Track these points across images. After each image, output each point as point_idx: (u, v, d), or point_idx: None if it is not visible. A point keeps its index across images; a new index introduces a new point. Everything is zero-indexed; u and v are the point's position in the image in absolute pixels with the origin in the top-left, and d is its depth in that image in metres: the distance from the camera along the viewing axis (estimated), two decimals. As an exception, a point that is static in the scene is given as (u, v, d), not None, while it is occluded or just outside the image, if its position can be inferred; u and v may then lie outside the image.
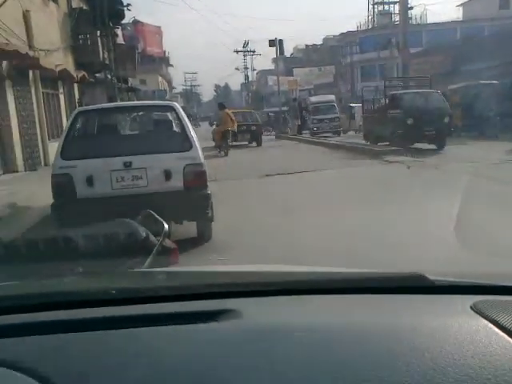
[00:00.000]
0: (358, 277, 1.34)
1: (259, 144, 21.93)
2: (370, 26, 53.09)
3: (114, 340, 1.01)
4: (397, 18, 32.38)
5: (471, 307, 1.05)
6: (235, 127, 18.90)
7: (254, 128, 22.08)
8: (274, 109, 44.73)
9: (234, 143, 20.24)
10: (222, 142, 18.16)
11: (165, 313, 1.10)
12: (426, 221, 5.67)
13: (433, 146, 15.22)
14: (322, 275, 1.38)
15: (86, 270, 2.31)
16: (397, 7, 39.22)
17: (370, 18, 55.79)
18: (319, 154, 16.56)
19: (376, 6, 56.08)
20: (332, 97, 33.07)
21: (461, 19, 45.41)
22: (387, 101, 16.59)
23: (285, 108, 38.83)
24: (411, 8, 28.30)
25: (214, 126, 21.98)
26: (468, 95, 20.84)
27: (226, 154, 17.66)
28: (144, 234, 2.72)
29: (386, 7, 55.12)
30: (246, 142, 22.02)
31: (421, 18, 47.67)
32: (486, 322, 0.98)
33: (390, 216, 6.02)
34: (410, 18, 31.97)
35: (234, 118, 19.02)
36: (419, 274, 1.19)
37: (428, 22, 47.64)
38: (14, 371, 0.88)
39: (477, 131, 19.08)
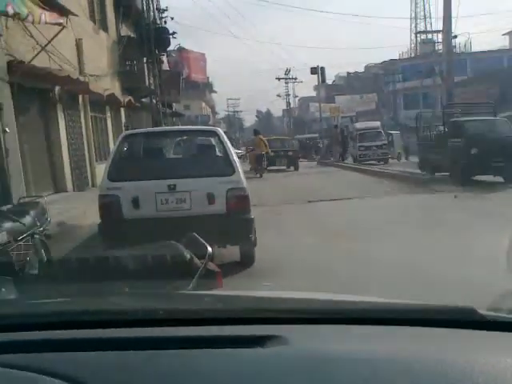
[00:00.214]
0: (405, 308, 1.31)
1: (296, 168, 23.24)
2: (413, 55, 52.86)
3: (161, 360, 1.02)
4: (440, 46, 32.06)
5: None
6: (269, 151, 20.78)
7: (290, 153, 23.64)
8: (310, 135, 44.87)
9: (273, 167, 22.22)
10: (257, 164, 20.09)
11: (211, 335, 1.11)
12: (472, 252, 5.51)
13: (499, 179, 13.39)
14: (369, 305, 1.36)
15: (132, 291, 2.36)
16: (440, 36, 38.90)
17: (412, 46, 55.68)
18: (362, 180, 16.42)
19: (419, 35, 55.96)
20: (378, 123, 31.57)
21: (507, 48, 44.66)
22: (447, 128, 14.99)
23: (315, 135, 39.18)
24: (455, 37, 27.85)
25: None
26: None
27: (261, 176, 19.04)
28: (188, 257, 2.74)
29: (429, 36, 54.92)
30: (284, 167, 23.31)
31: (465, 46, 47.15)
32: None
33: (432, 245, 5.91)
34: (454, 47, 31.64)
35: (267, 143, 20.90)
36: (470, 307, 1.16)
37: (472, 50, 47.06)
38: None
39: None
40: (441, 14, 20.10)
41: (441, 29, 25.70)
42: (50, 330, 1.16)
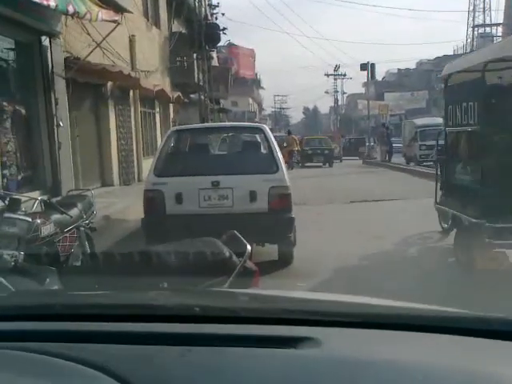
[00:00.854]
0: (436, 315, 1.28)
1: (330, 165, 26.70)
2: (469, 50, 51.16)
3: (193, 357, 1.03)
4: (499, 40, 30.78)
5: None
6: (299, 149, 25.99)
7: (326, 152, 27.36)
8: (356, 136, 44.23)
9: (309, 164, 26.30)
10: (289, 159, 23.01)
11: (244, 334, 1.12)
12: None
13: None
14: (405, 310, 1.33)
15: (171, 286, 2.40)
16: (500, 29, 37.13)
17: (469, 41, 53.82)
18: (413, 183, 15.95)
19: (476, 29, 53.96)
20: (440, 120, 26.79)
21: None
22: None
23: (361, 136, 38.72)
24: (516, 30, 26.54)
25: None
26: None
27: (292, 169, 21.66)
28: (227, 254, 2.76)
29: (488, 29, 52.88)
30: (321, 164, 26.83)
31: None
32: None
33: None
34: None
35: (297, 142, 26.07)
36: (483, 316, 1.16)
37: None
38: (103, 374, 0.94)
39: None
40: (501, 5, 19.26)
41: (501, 22, 24.55)
42: (87, 321, 1.20)
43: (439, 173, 6.45)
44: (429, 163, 22.37)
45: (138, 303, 1.37)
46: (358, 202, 10.82)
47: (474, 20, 56.39)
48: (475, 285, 4.67)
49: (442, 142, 6.69)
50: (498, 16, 48.08)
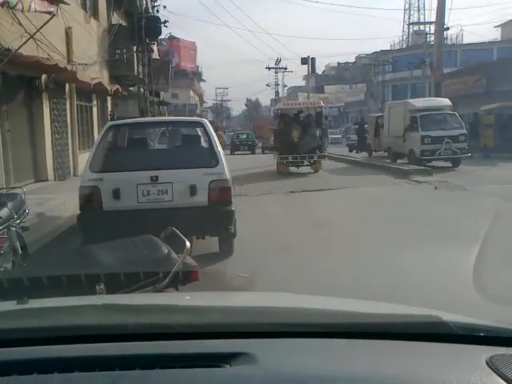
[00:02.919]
0: (372, 320, 1.28)
1: (253, 152, 33.19)
2: (404, 46, 52.86)
3: (125, 383, 1.00)
4: (432, 37, 31.89)
5: (487, 362, 1.01)
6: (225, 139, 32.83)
7: (250, 143, 34.85)
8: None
9: (238, 152, 32.43)
10: None
11: (178, 353, 1.09)
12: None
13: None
14: (336, 317, 1.32)
15: (107, 287, 2.33)
16: (433, 27, 38.87)
17: (404, 37, 55.65)
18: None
19: (411, 27, 55.98)
20: (447, 100, 19.08)
21: (499, 40, 44.77)
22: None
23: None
24: (447, 29, 27.47)
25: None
26: (501, 116, 20.50)
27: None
28: (166, 251, 2.74)
29: (422, 27, 55.00)
30: (248, 152, 33.37)
31: (457, 38, 47.22)
32: (500, 380, 0.95)
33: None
34: (446, 38, 31.52)
35: (223, 136, 32.58)
36: (441, 321, 1.16)
37: (464, 42, 47.13)
38: None
39: (509, 153, 18.64)
40: (435, 5, 19.99)
41: (434, 20, 25.50)
42: (2, 347, 1.13)
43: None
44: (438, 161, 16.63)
45: (64, 324, 1.28)
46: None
47: (409, 18, 58.71)
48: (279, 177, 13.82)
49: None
50: (432, 15, 50.15)
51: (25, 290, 2.25)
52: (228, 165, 5.77)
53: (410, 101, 19.91)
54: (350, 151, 27.98)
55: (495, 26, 48.98)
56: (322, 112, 17.25)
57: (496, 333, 1.17)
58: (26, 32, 10.63)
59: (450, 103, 18.52)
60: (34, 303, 1.56)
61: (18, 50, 10.05)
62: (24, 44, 10.31)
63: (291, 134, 15.92)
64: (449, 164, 16.50)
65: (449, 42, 41.90)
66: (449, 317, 1.20)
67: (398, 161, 18.19)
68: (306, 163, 16.07)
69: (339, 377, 0.98)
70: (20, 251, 4.22)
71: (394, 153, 19.17)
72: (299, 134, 16.03)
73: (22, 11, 9.03)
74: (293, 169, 16.22)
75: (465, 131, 17.13)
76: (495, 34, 48.81)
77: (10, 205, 4.34)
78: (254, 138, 35.83)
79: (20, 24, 10.53)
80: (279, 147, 16.27)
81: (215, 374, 1.01)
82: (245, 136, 36.21)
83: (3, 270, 3.77)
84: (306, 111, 17.72)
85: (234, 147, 33.77)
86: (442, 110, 17.72)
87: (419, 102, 18.94)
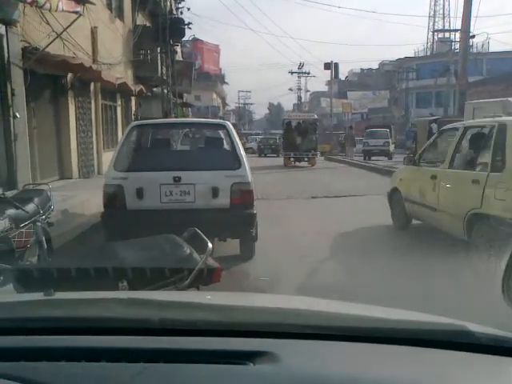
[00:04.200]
0: (397, 326, 1.26)
1: (278, 155, 32.63)
2: (429, 53, 52.37)
3: (149, 376, 1.01)
4: (457, 45, 31.53)
5: None
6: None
7: (274, 147, 35.81)
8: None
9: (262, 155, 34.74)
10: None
11: (202, 349, 1.10)
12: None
13: None
14: (360, 321, 1.31)
15: (130, 285, 2.36)
16: (458, 35, 38.50)
17: (429, 44, 55.13)
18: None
19: (436, 34, 55.43)
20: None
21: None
22: None
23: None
24: (473, 36, 27.13)
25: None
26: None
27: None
28: (188, 251, 2.75)
29: (447, 35, 54.44)
30: (275, 155, 34.28)
31: (483, 46, 46.65)
32: None
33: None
34: (471, 46, 31.15)
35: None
36: (466, 329, 1.14)
37: (490, 50, 46.51)
38: None
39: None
40: (460, 12, 19.60)
41: (459, 28, 25.15)
42: (35, 335, 1.15)
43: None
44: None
45: (91, 316, 1.30)
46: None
47: (434, 25, 58.07)
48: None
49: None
50: (457, 22, 49.45)
51: (50, 282, 2.29)
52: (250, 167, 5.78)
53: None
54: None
55: (523, 35, 48.02)
56: (316, 123, 24.27)
57: None
58: (53, 31, 10.81)
59: None
60: (61, 295, 1.58)
61: (45, 48, 10.23)
62: (51, 43, 10.49)
63: (294, 138, 22.55)
64: None
65: (474, 51, 41.42)
66: (471, 326, 1.19)
67: None
68: (305, 159, 22.35)
69: (363, 380, 0.98)
70: (45, 246, 4.29)
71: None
72: (300, 138, 22.56)
73: (50, 10, 9.21)
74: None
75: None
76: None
77: (36, 200, 4.42)
78: (278, 143, 35.85)
79: (47, 23, 10.71)
80: (285, 147, 23.20)
81: (238, 371, 1.02)
82: (271, 141, 38.01)
83: (29, 264, 3.84)
84: (306, 121, 24.20)
85: (260, 150, 36.72)
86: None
87: None
